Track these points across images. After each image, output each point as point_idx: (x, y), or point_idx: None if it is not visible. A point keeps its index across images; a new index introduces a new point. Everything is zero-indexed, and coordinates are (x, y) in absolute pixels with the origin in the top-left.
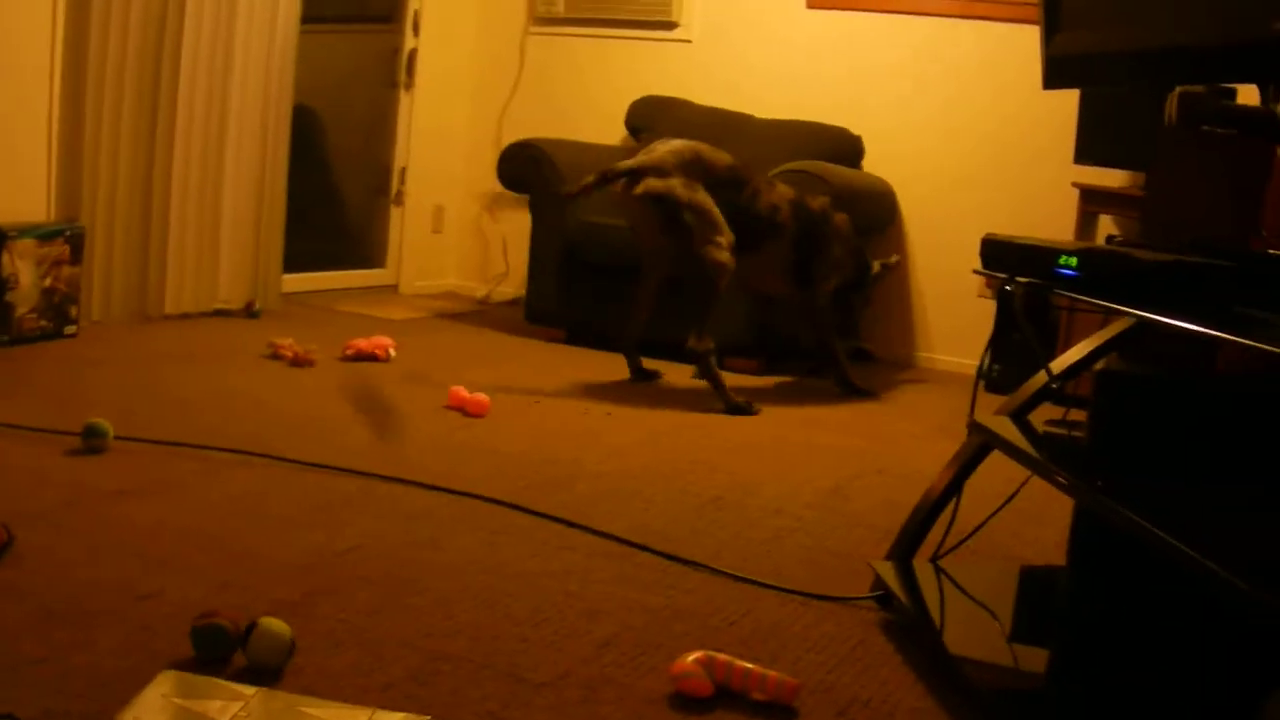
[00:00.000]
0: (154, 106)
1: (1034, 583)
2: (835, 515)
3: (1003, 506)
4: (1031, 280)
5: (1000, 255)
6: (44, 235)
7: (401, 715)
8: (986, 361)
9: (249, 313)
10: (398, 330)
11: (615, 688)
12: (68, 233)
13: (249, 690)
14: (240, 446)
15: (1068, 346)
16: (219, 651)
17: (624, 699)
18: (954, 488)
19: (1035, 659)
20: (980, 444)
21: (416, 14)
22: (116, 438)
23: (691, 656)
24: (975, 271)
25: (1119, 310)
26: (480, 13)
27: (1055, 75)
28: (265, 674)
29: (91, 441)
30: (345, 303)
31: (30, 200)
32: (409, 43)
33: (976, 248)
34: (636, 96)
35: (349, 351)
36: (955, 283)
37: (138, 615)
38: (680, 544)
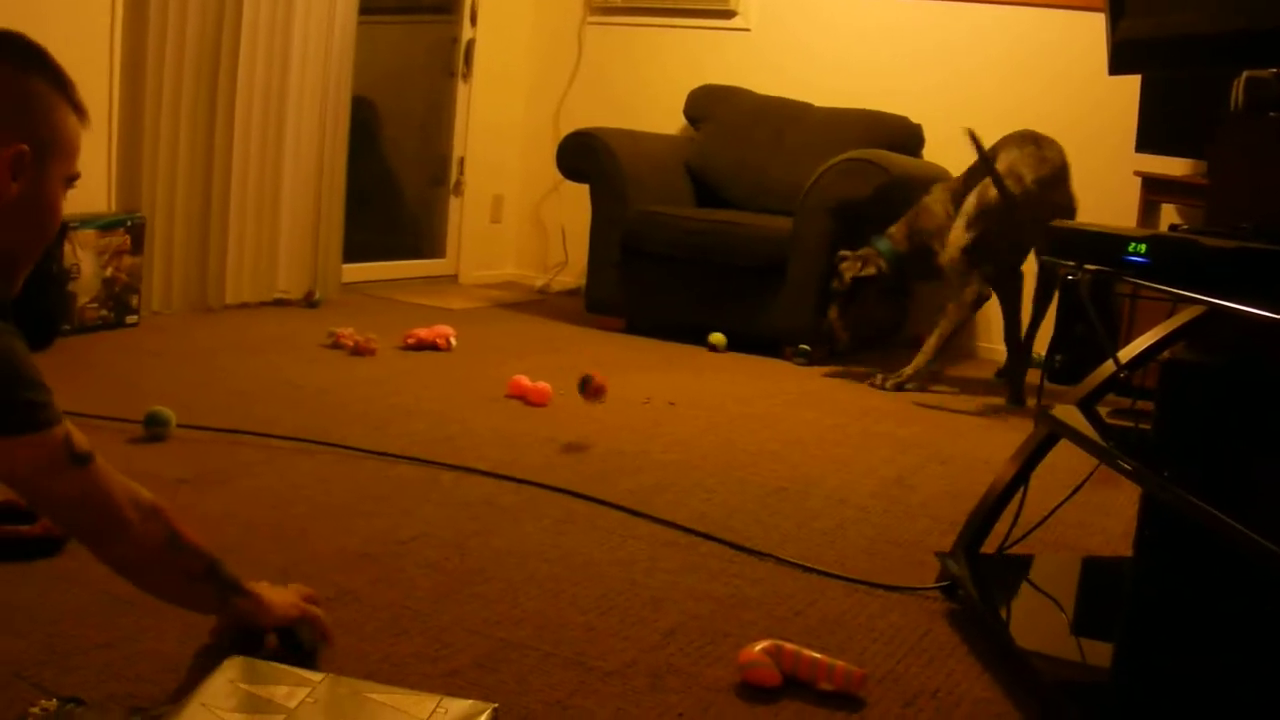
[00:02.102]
0: (213, 97)
1: (1100, 574)
2: (899, 505)
3: (1070, 496)
4: (1100, 268)
5: (1068, 243)
6: (105, 225)
7: (469, 703)
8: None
9: (308, 302)
10: (457, 320)
11: (682, 676)
12: (128, 223)
13: (316, 676)
14: (301, 435)
15: (1130, 336)
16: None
17: (691, 688)
18: (1020, 478)
19: (1101, 651)
20: (1047, 434)
21: (474, 4)
22: (178, 426)
23: (759, 645)
24: (1042, 260)
25: (1190, 298)
26: (537, 3)
27: (1121, 60)
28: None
29: (154, 430)
30: (404, 292)
31: (91, 191)
32: (467, 33)
33: None
34: (695, 86)
35: (409, 341)
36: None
37: None
38: (744, 534)
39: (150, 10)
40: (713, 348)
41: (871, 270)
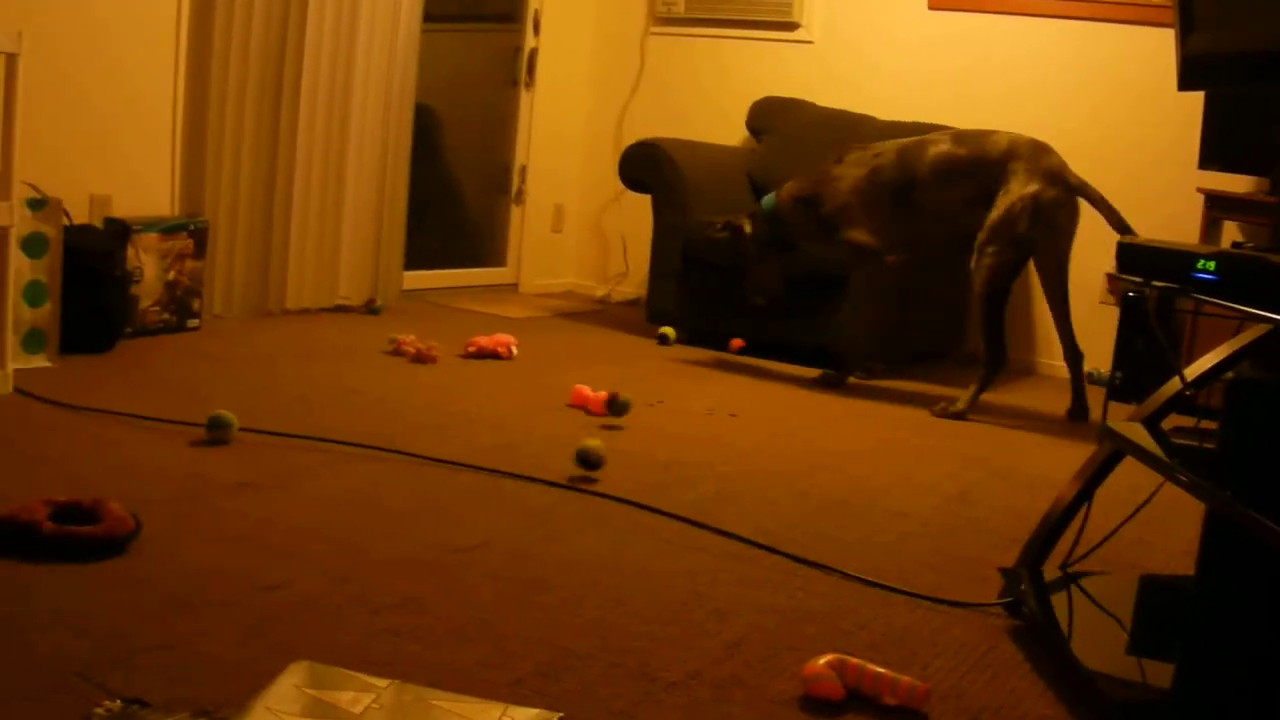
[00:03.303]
0: (276, 103)
1: (1162, 592)
2: (960, 520)
3: (1135, 514)
4: (1168, 285)
5: (1135, 259)
6: (168, 229)
7: (535, 712)
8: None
9: (369, 309)
10: (518, 328)
11: (746, 689)
12: (191, 227)
13: (381, 682)
14: (363, 441)
15: (1191, 353)
16: None
17: (755, 700)
18: (1084, 495)
19: (1163, 671)
20: (1112, 451)
21: (537, 13)
22: (240, 430)
23: (823, 659)
24: (1110, 275)
25: (1260, 316)
26: (600, 12)
27: (1190, 76)
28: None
29: (216, 433)
30: (465, 300)
31: (155, 195)
32: (529, 42)
33: (1097, 252)
34: (757, 97)
35: (470, 349)
36: (1077, 286)
37: (261, 606)
38: (806, 546)
39: (215, 15)
40: (663, 339)
41: (725, 235)
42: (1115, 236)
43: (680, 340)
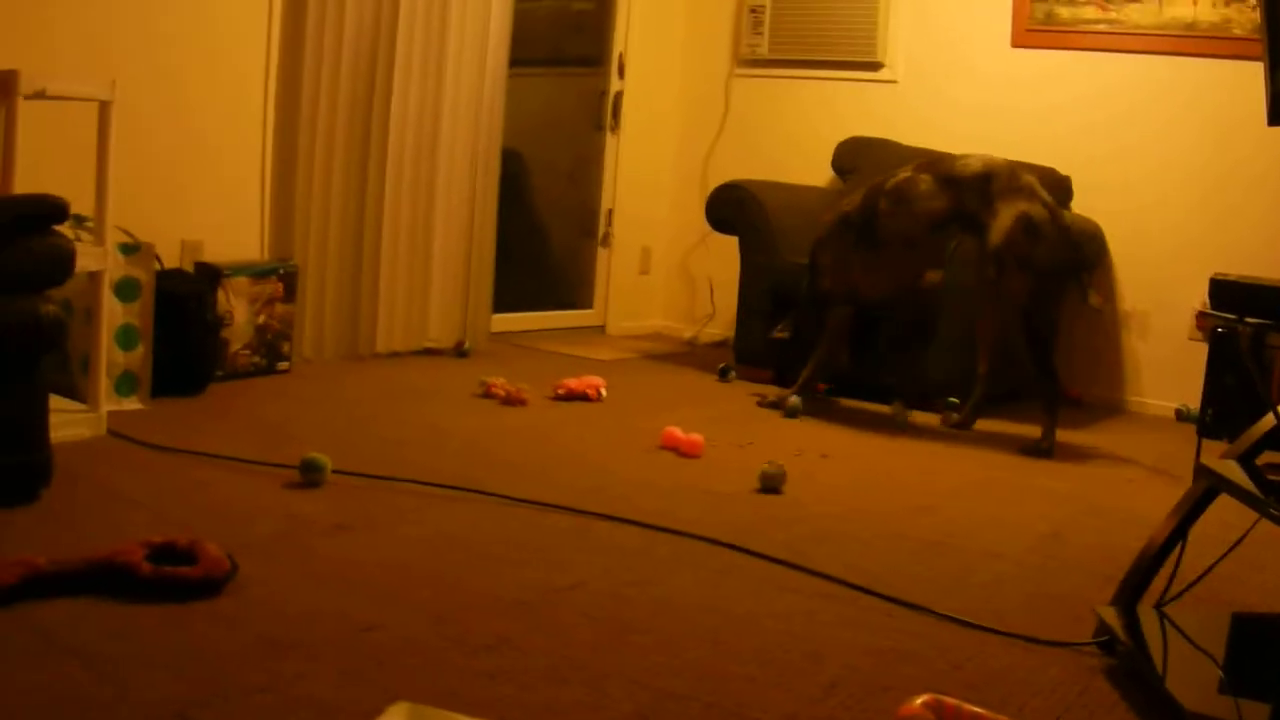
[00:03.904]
0: (365, 148)
1: (1257, 630)
2: (1054, 559)
3: (1230, 551)
4: (1261, 320)
5: (1228, 295)
6: (258, 273)
7: None
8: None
9: (458, 352)
10: (606, 370)
11: None
12: (281, 271)
13: None
14: (455, 483)
15: None
16: None
17: None
18: (1179, 532)
19: (1260, 710)
20: (1206, 488)
21: (622, 57)
22: (333, 472)
23: (919, 700)
24: (1199, 313)
25: None
26: (685, 55)
27: None
28: None
29: (310, 475)
30: (553, 343)
31: (245, 239)
32: (614, 86)
33: (1187, 288)
34: (841, 137)
35: (560, 391)
36: (1165, 323)
37: (359, 647)
38: (900, 587)
39: (304, 62)
40: (724, 373)
41: (788, 334)
42: (1204, 273)
43: (768, 381)
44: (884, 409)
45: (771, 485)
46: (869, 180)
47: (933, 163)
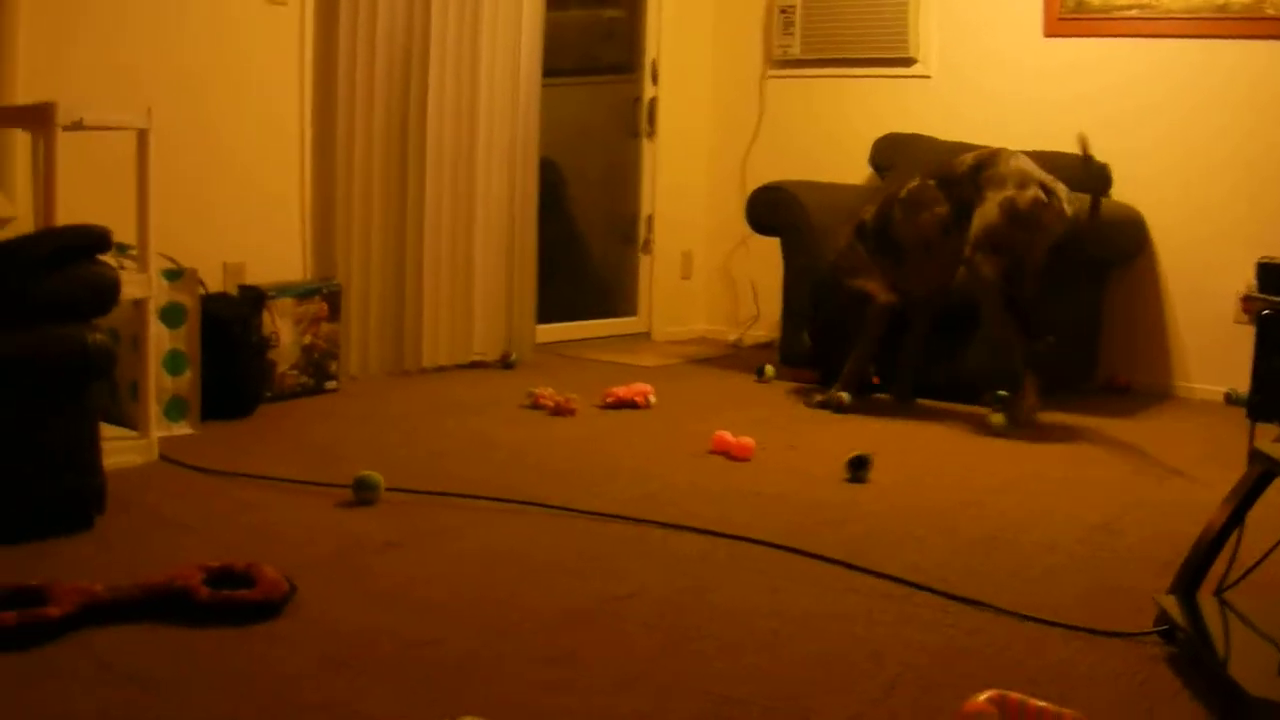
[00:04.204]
0: (403, 164)
1: None
2: (1109, 550)
3: None
4: None
5: (1277, 278)
6: (302, 294)
7: None
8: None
9: (504, 364)
10: (652, 377)
11: None
12: (324, 290)
13: None
14: (507, 495)
15: None
16: None
17: None
18: (1236, 518)
19: None
20: (1261, 473)
21: (654, 63)
22: (386, 489)
23: (984, 696)
24: (1245, 297)
25: None
26: (717, 59)
27: None
28: None
29: (363, 494)
30: (598, 351)
31: (287, 259)
32: (649, 92)
33: (1231, 272)
34: (878, 135)
35: (608, 399)
36: (1211, 308)
37: (419, 663)
38: (956, 583)
39: (338, 82)
40: (760, 373)
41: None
42: (1249, 258)
43: (814, 382)
44: (930, 403)
45: (859, 472)
46: (885, 190)
47: (938, 167)
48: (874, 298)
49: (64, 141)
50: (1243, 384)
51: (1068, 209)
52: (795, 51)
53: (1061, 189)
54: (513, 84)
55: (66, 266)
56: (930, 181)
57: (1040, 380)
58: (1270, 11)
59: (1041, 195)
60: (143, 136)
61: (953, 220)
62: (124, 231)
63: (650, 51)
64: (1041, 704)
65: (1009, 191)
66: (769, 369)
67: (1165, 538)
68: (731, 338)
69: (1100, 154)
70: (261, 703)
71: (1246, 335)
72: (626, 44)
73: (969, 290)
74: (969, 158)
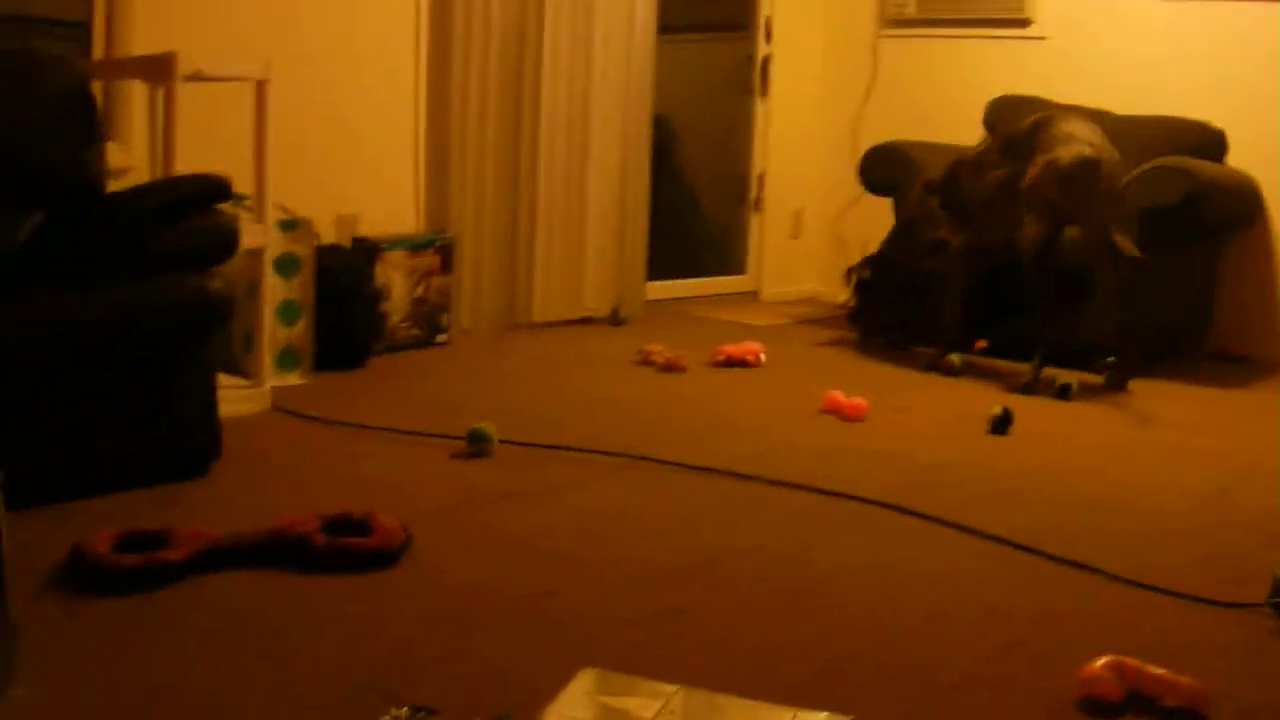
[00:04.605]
0: (516, 119)
1: None
2: (1221, 519)
3: None
4: None
5: None
6: (415, 246)
7: (825, 714)
8: None
9: (614, 320)
10: (762, 336)
11: (1023, 690)
12: (437, 243)
13: (669, 688)
14: (620, 450)
15: None
16: None
17: (1034, 701)
18: None
19: None
20: None
21: (768, 21)
22: (499, 442)
23: (1101, 661)
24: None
25: None
26: (830, 17)
27: None
28: None
29: (477, 446)
30: (707, 309)
31: (401, 213)
32: (762, 50)
33: None
34: (991, 96)
35: (719, 357)
36: None
37: (536, 615)
38: (1067, 547)
39: (454, 37)
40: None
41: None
42: None
43: (884, 347)
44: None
45: (1001, 426)
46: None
47: (1005, 130)
48: (950, 242)
49: (181, 93)
50: None
51: (1115, 175)
52: (910, 10)
53: (1110, 154)
54: (627, 40)
55: (187, 216)
56: (995, 145)
57: (1045, 352)
58: None
59: (1087, 152)
60: (261, 88)
61: (1012, 181)
62: (239, 183)
63: (764, 9)
64: (1159, 671)
65: (1056, 153)
66: (955, 358)
67: (1276, 510)
68: (841, 299)
69: (1216, 118)
70: (380, 652)
71: None
72: (742, 1)
73: (1082, 256)
74: (1028, 121)
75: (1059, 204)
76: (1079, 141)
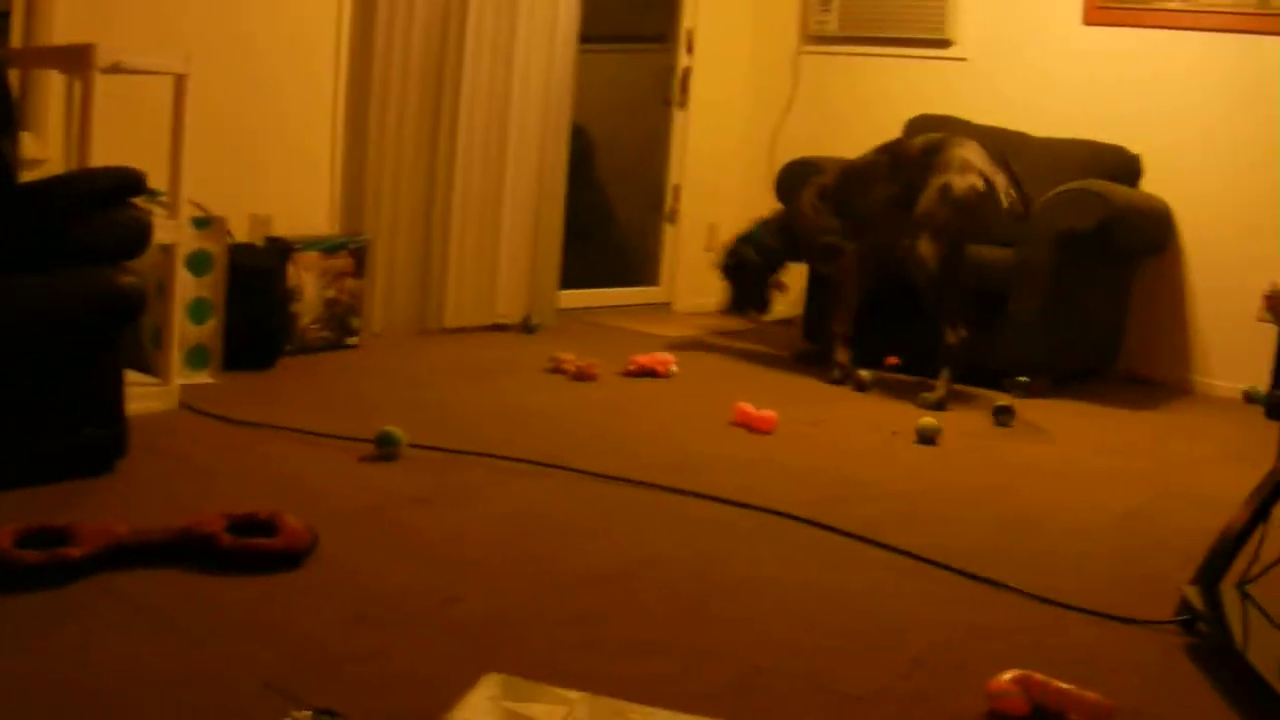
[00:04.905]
0: (435, 125)
1: None
2: (1132, 539)
3: None
4: None
5: None
6: (328, 248)
7: None
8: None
9: (526, 327)
10: (673, 347)
11: (930, 704)
12: (351, 245)
13: (574, 695)
14: (531, 457)
15: None
16: None
17: (940, 716)
18: (1263, 510)
19: None
20: None
21: (690, 33)
22: (409, 446)
23: (1007, 675)
24: (1267, 295)
25: None
26: (753, 31)
27: None
28: None
29: (385, 449)
30: (619, 319)
31: (314, 213)
32: (683, 62)
33: (1257, 270)
34: (911, 115)
35: (631, 367)
36: (1234, 305)
37: (445, 620)
38: (981, 564)
39: (375, 39)
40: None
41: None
42: (1275, 257)
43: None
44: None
45: (928, 437)
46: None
47: (893, 146)
48: (843, 249)
49: (99, 85)
50: (1263, 382)
51: (1004, 200)
52: (832, 28)
53: (1001, 181)
54: (548, 48)
55: (101, 209)
56: (883, 159)
57: (954, 370)
58: None
59: (979, 184)
60: (180, 82)
61: (900, 200)
62: (154, 178)
63: (687, 21)
64: (1065, 686)
65: (949, 177)
66: (865, 374)
67: (1187, 530)
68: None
69: (1133, 144)
70: (288, 653)
71: (1268, 334)
72: (664, 13)
73: (1003, 274)
74: (920, 141)
75: (952, 228)
76: (972, 170)
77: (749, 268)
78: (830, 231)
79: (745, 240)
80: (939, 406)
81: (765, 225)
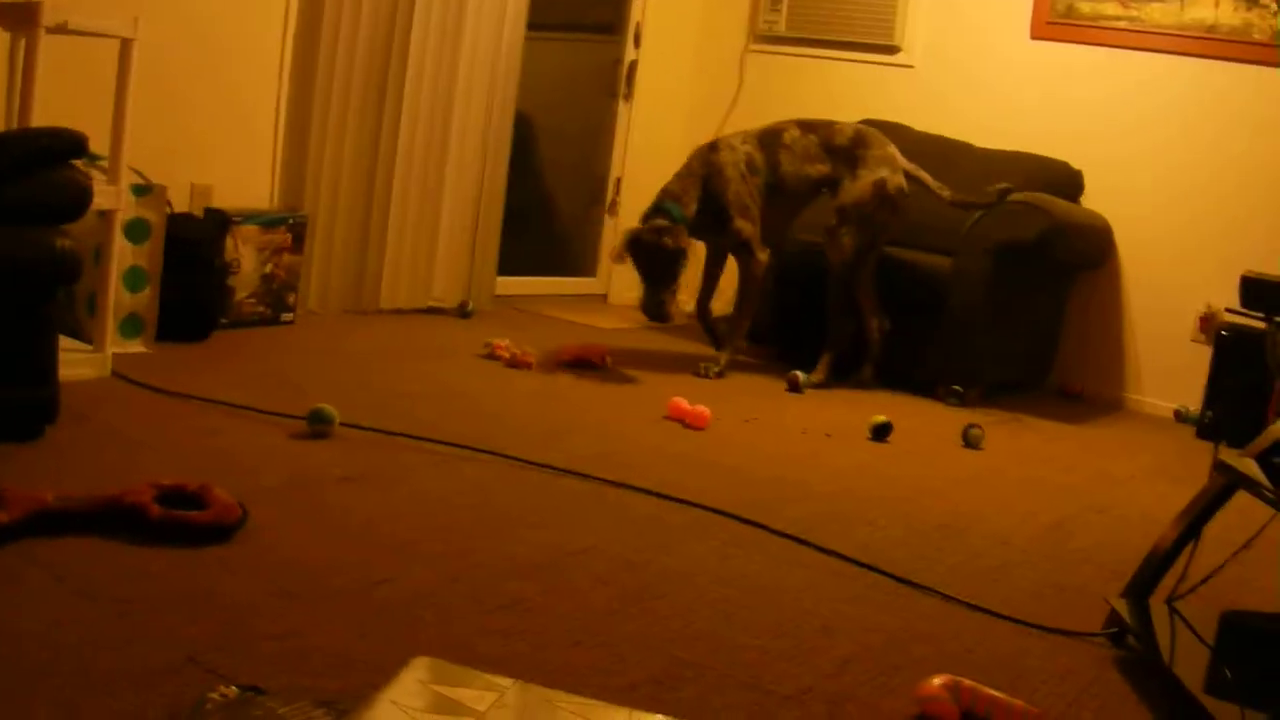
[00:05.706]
0: (379, 104)
1: (1267, 630)
2: (1060, 550)
3: (1245, 547)
4: None
5: (1261, 294)
6: (267, 222)
7: (659, 717)
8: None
9: (461, 312)
10: (608, 339)
11: (858, 705)
12: (290, 221)
13: (505, 681)
14: (463, 442)
15: None
16: None
17: (868, 716)
18: (1194, 528)
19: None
20: (1224, 485)
21: (638, 26)
22: (341, 425)
23: (937, 680)
24: (1202, 316)
25: None
26: (701, 28)
27: None
28: None
29: (317, 427)
30: (555, 308)
31: (254, 187)
32: (629, 54)
33: (1192, 291)
34: (855, 119)
35: (565, 356)
36: (1169, 324)
37: (372, 600)
38: (909, 569)
39: (324, 16)
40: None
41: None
42: (1211, 278)
43: (773, 358)
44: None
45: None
46: (749, 132)
47: (819, 127)
48: (755, 251)
49: (46, 44)
50: (1194, 402)
51: (944, 193)
52: (780, 28)
53: (926, 178)
54: (496, 34)
55: (39, 169)
56: (812, 137)
57: (834, 356)
58: (1258, 36)
59: (905, 184)
60: (126, 46)
61: (825, 182)
62: (95, 142)
63: (635, 14)
64: (993, 692)
65: (883, 173)
66: (801, 376)
67: (1114, 545)
68: (689, 308)
69: (1075, 160)
70: (214, 627)
71: (1201, 355)
72: (613, 4)
73: (834, 265)
74: (849, 130)
75: (877, 222)
76: (899, 169)
77: (667, 251)
78: (751, 216)
79: (661, 215)
80: (820, 385)
81: (676, 199)
